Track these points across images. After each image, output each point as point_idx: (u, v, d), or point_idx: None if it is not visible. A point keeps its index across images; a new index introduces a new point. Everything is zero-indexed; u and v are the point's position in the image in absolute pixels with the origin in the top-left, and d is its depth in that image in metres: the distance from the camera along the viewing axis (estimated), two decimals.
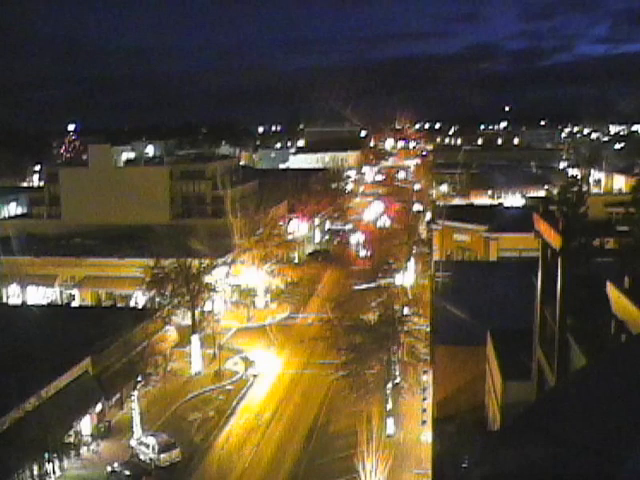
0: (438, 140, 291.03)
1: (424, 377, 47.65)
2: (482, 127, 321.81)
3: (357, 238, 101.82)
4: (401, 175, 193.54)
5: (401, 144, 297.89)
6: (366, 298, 60.72)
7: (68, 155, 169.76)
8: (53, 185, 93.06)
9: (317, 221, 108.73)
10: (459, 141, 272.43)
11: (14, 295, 76.40)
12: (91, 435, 45.38)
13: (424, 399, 47.10)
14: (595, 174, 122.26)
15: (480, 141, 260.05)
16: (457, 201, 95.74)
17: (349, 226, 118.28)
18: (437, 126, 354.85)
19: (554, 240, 17.47)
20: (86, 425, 45.63)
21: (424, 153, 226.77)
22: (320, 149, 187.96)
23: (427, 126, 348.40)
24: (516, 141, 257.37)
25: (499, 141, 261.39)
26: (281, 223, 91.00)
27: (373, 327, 47.12)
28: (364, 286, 68.31)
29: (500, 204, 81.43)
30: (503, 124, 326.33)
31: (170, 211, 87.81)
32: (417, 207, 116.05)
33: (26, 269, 72.56)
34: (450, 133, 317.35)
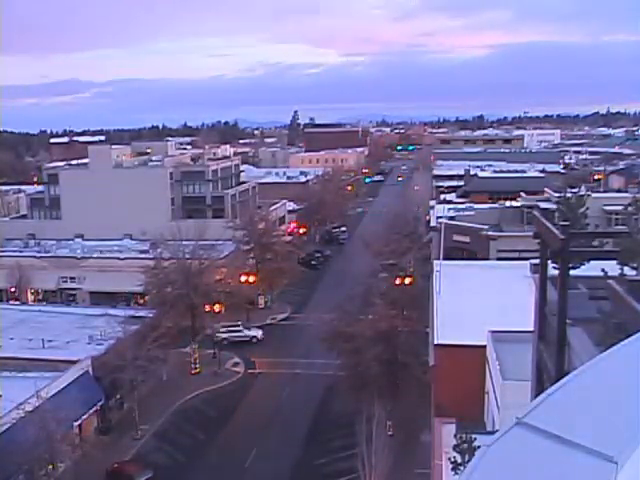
0: (438, 140, 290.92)
1: (424, 377, 47.53)
2: (482, 127, 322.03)
3: (357, 237, 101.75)
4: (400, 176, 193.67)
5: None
6: (366, 298, 60.59)
7: (68, 156, 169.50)
8: (53, 186, 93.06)
9: (316, 222, 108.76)
10: (459, 141, 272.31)
11: (14, 295, 76.40)
12: (91, 435, 45.38)
13: (424, 399, 47.02)
14: (595, 174, 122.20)
15: (480, 141, 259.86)
16: (457, 201, 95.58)
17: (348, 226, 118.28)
18: (437, 126, 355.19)
19: (554, 240, 17.48)
20: (86, 425, 45.64)
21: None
22: (320, 149, 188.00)
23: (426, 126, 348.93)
24: (516, 142, 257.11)
25: (499, 141, 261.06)
26: (281, 223, 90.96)
27: (373, 327, 47.05)
28: (364, 286, 68.17)
29: (500, 204, 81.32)
30: (503, 125, 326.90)
31: (170, 211, 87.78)
32: (417, 207, 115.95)
33: (26, 269, 72.63)
34: (450, 133, 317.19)
